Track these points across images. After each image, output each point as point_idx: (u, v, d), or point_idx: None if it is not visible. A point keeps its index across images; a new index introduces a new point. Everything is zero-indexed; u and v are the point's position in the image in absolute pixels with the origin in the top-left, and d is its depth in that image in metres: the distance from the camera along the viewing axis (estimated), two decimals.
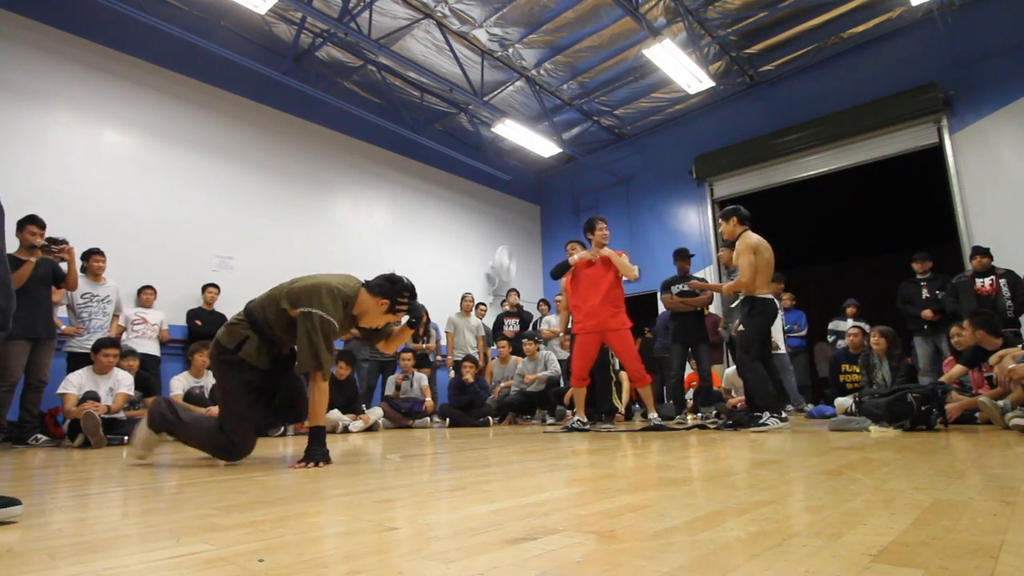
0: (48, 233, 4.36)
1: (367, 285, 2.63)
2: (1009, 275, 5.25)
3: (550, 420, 6.36)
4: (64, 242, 4.42)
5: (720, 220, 4.45)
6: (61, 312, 4.85)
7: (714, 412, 5.84)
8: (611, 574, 0.82)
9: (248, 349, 2.49)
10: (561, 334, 5.05)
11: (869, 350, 4.87)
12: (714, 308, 6.75)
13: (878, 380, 4.73)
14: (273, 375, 2.62)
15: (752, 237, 4.11)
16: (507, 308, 7.82)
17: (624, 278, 4.48)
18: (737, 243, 4.14)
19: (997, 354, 3.76)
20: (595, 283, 4.43)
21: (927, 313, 5.58)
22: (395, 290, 2.60)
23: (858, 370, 5.14)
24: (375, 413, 5.64)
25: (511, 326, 7.45)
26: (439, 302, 7.72)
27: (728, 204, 8.72)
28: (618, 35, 7.19)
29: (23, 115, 5.34)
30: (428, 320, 7.08)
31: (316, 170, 7.67)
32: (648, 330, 8.31)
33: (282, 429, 5.01)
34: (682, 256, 5.93)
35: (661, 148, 9.44)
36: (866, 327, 5.95)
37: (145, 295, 5.56)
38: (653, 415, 4.34)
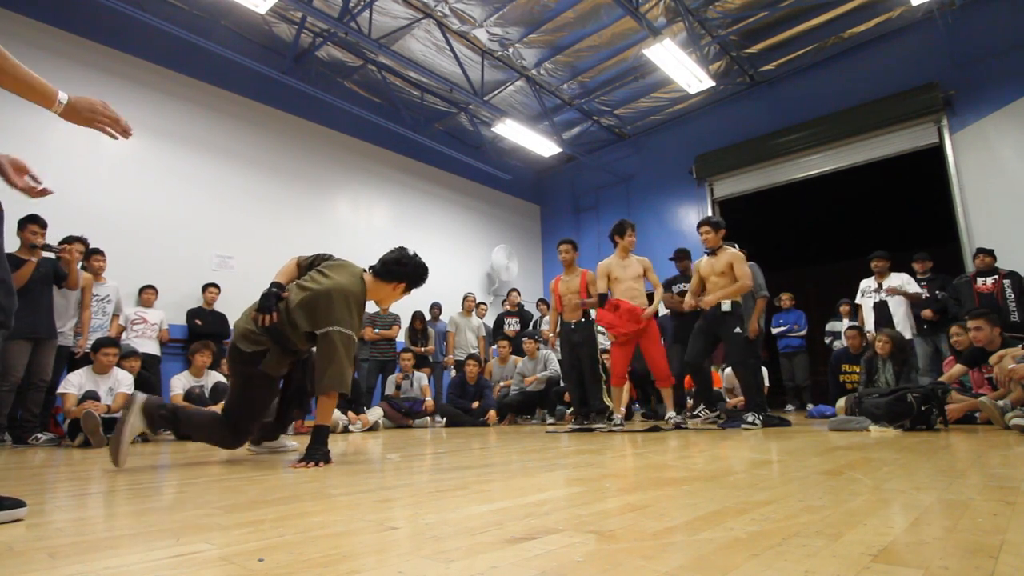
0: (49, 232, 4.36)
1: (376, 273, 2.62)
2: (1014, 277, 5.23)
3: (550, 420, 6.36)
4: (83, 239, 4.46)
5: (709, 228, 4.55)
6: None
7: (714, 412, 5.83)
8: (611, 574, 0.82)
9: (269, 361, 2.49)
10: (551, 335, 5.09)
11: (874, 352, 4.86)
12: None
13: (880, 382, 4.72)
14: (289, 373, 2.67)
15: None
16: (508, 308, 7.82)
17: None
18: (730, 255, 4.42)
19: (997, 354, 3.75)
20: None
21: (927, 313, 5.58)
22: (409, 273, 2.64)
23: (859, 370, 5.13)
24: (375, 413, 5.64)
25: (511, 325, 7.46)
26: (440, 302, 7.73)
27: (728, 204, 8.80)
28: (618, 35, 7.19)
29: (23, 114, 5.34)
30: (425, 324, 7.09)
31: (316, 170, 7.67)
32: None
33: None
34: (683, 256, 5.94)
35: (661, 148, 9.44)
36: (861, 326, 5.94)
37: (146, 295, 5.56)
38: (671, 414, 4.48)
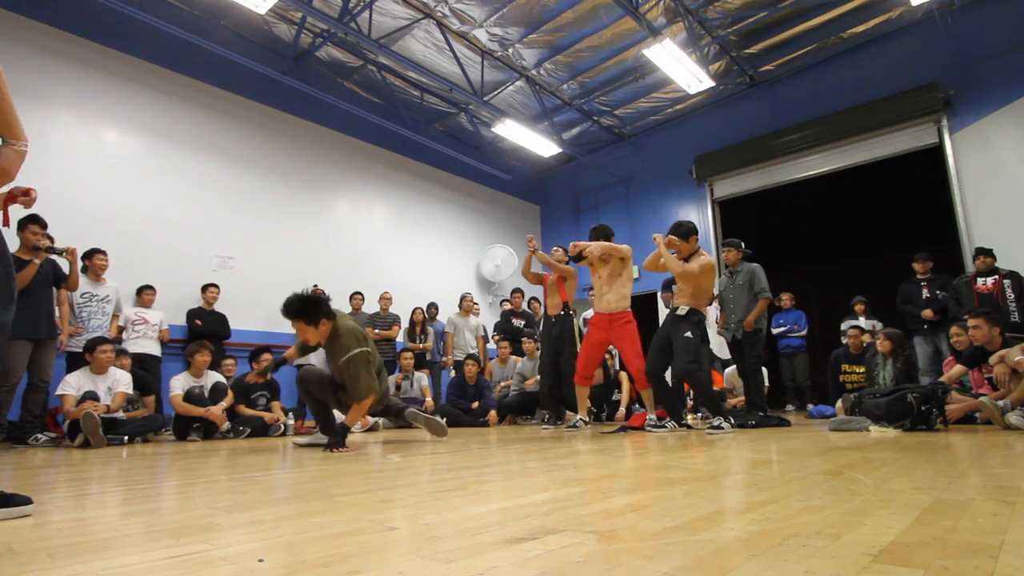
0: (48, 232, 4.36)
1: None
2: (1014, 276, 5.23)
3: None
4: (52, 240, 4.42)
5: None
6: None
7: None
8: (611, 574, 0.82)
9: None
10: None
11: (875, 351, 4.87)
12: (713, 307, 6.74)
13: (879, 380, 4.73)
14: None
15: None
16: (509, 307, 7.83)
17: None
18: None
19: (997, 354, 3.75)
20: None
21: (927, 313, 5.58)
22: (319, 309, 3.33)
23: (859, 370, 5.13)
24: None
25: (516, 325, 7.46)
26: (439, 302, 7.72)
27: (728, 204, 8.79)
28: (618, 35, 7.19)
29: (23, 115, 5.26)
30: (424, 319, 7.09)
31: (316, 170, 7.66)
32: None
33: (282, 429, 5.02)
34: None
35: (661, 148, 9.44)
36: (875, 325, 5.93)
37: (145, 295, 5.55)
38: (652, 417, 4.21)
